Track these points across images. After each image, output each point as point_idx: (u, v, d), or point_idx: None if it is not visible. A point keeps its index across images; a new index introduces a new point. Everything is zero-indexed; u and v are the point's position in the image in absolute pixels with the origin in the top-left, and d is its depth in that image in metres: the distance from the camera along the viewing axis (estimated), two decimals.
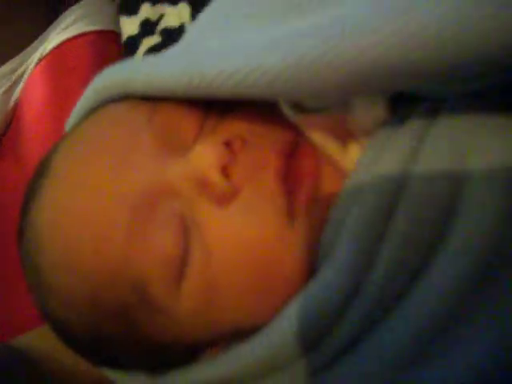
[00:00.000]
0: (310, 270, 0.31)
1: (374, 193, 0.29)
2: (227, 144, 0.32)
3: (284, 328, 0.30)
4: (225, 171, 0.31)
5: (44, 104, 0.83)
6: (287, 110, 0.34)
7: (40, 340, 0.47)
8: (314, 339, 0.30)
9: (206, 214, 0.31)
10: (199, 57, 0.32)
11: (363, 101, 0.33)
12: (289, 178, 0.32)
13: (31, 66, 0.87)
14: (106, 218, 0.31)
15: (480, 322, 0.27)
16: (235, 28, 0.34)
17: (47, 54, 0.87)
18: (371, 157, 0.31)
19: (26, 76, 0.88)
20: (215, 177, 0.31)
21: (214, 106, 0.34)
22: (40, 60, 0.87)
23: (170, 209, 0.31)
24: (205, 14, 0.40)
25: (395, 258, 0.28)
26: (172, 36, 0.82)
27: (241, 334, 0.32)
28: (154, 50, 0.84)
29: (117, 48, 0.90)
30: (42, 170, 0.37)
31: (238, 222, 0.31)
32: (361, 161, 0.31)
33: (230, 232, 0.31)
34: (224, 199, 0.31)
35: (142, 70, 0.34)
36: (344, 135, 0.34)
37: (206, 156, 0.31)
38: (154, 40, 0.85)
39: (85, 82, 0.87)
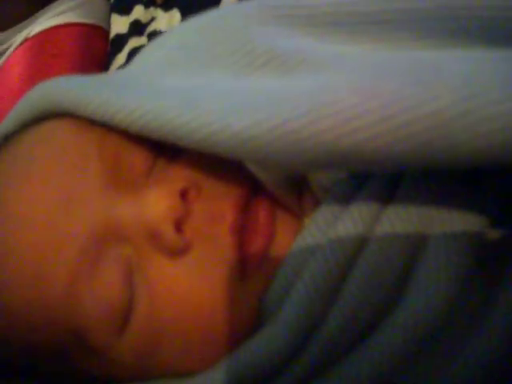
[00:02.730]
0: (254, 324, 0.30)
1: (327, 257, 0.28)
2: (183, 194, 0.30)
3: (215, 380, 0.29)
4: (178, 225, 0.29)
5: (20, 84, 0.82)
6: (251, 166, 0.31)
7: None
8: None
9: (155, 264, 0.30)
10: (160, 97, 0.30)
11: None
12: (243, 231, 0.30)
13: (15, 45, 0.87)
14: (51, 258, 0.29)
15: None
16: (207, 72, 0.33)
17: (32, 37, 0.87)
18: (328, 217, 0.29)
19: (7, 53, 0.88)
20: (168, 231, 0.29)
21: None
22: (24, 41, 0.87)
23: (117, 255, 0.30)
24: (162, 53, 0.38)
25: (342, 321, 0.27)
26: None
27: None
28: (139, 50, 0.85)
29: (103, 45, 0.91)
30: None
31: (187, 279, 0.29)
32: (316, 219, 0.30)
33: (178, 288, 0.29)
34: (175, 253, 0.30)
35: (93, 94, 0.31)
36: (302, 188, 0.33)
37: (159, 206, 0.29)
38: (140, 41, 0.85)
39: (63, 71, 0.87)
